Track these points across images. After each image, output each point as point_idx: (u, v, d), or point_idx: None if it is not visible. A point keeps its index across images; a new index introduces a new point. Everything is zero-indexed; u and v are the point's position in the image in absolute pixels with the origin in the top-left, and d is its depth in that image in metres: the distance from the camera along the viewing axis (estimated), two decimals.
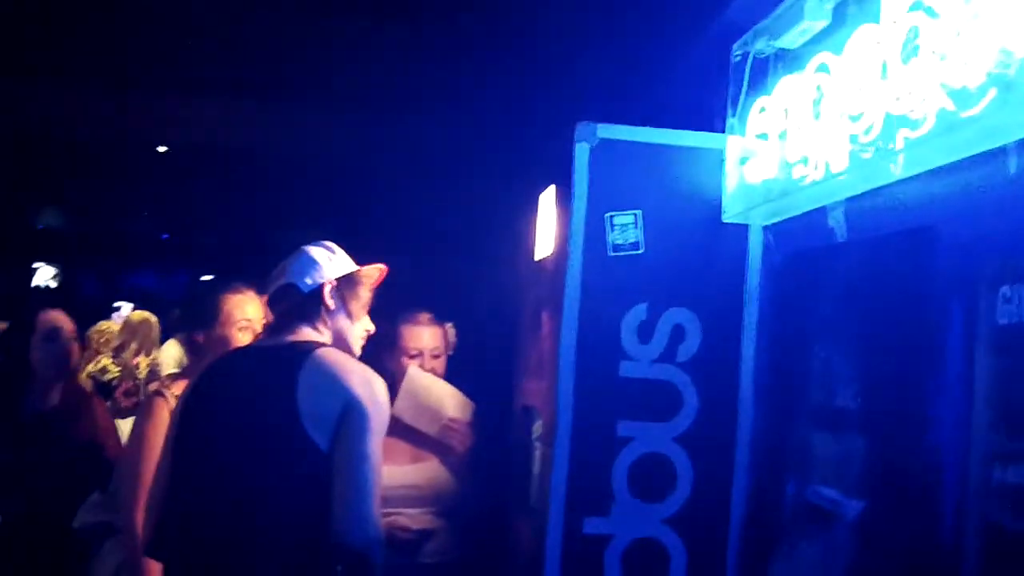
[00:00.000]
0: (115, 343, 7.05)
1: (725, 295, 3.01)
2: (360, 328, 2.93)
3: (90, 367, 6.68)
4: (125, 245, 15.27)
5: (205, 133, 8.13)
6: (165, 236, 14.85)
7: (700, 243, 3.02)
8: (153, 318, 7.37)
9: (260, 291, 3.28)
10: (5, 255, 13.50)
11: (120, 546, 3.36)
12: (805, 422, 2.74)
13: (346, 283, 2.90)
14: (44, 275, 16.01)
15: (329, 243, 2.96)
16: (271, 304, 2.96)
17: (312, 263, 2.90)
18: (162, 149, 9.04)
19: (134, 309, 9.68)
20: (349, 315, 2.90)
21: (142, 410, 3.42)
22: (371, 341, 2.98)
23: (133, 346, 7.09)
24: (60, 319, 3.87)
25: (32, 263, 15.67)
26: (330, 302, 2.85)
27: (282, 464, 2.62)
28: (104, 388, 5.90)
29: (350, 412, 2.60)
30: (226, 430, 2.70)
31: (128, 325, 7.30)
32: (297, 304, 2.85)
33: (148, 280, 15.71)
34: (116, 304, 13.51)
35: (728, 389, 2.99)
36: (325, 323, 2.85)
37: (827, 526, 2.58)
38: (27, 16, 5.26)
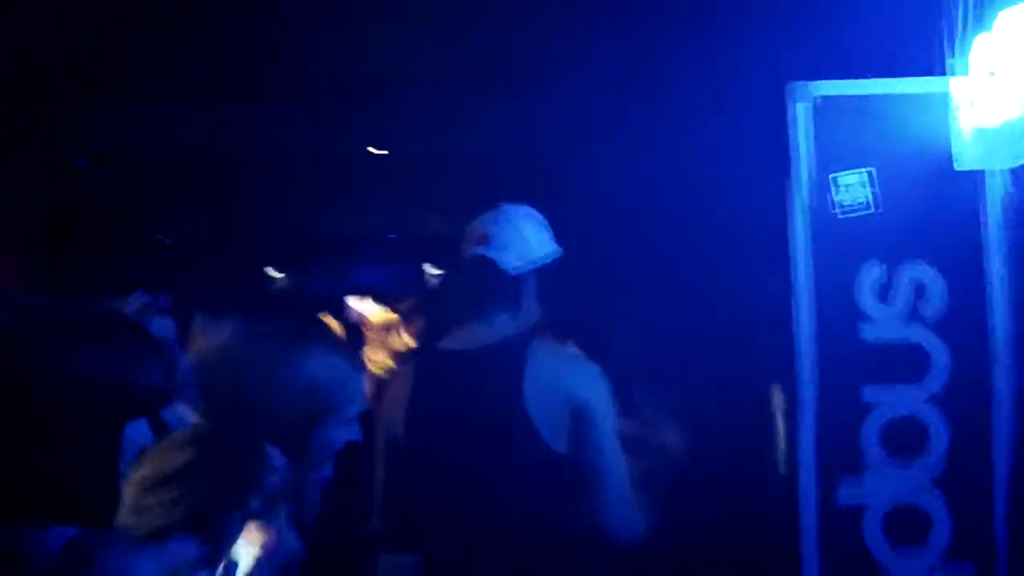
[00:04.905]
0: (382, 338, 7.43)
1: (964, 247, 2.85)
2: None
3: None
4: (354, 247, 15.79)
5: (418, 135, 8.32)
6: (392, 236, 15.26)
7: (932, 195, 2.86)
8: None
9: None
10: (241, 262, 14.17)
11: None
12: None
13: (548, 266, 2.62)
14: (279, 280, 16.76)
15: (533, 211, 2.64)
16: (457, 272, 2.66)
17: (521, 238, 2.57)
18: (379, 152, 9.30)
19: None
20: (541, 300, 2.65)
21: None
22: None
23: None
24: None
25: (264, 269, 16.41)
26: (529, 288, 2.59)
27: (517, 468, 2.49)
28: None
29: (583, 413, 2.49)
30: (453, 439, 2.56)
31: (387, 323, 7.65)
32: (495, 287, 2.58)
33: (377, 278, 16.19)
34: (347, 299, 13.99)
35: (980, 343, 2.83)
36: (520, 309, 2.60)
37: None
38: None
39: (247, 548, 1.83)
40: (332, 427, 2.01)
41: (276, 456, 1.94)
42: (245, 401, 1.95)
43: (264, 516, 1.94)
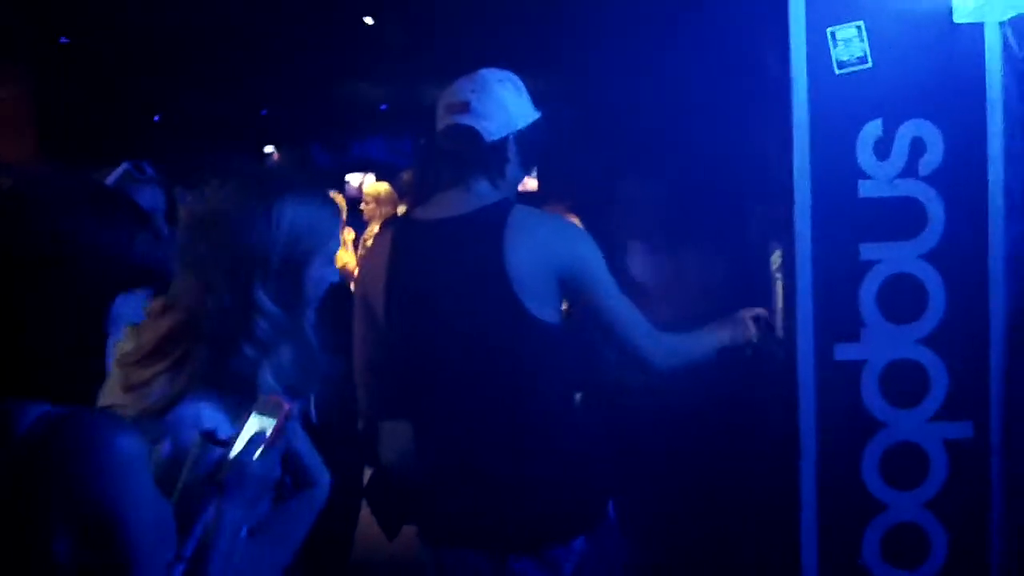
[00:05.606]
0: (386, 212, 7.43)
1: (964, 102, 2.82)
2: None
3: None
4: (349, 118, 15.67)
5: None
6: (384, 107, 15.12)
7: (931, 49, 2.81)
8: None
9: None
10: (240, 143, 14.11)
11: None
12: None
13: (528, 132, 2.60)
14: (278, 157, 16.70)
15: (511, 74, 2.61)
16: (438, 139, 2.60)
17: (499, 105, 2.54)
18: (369, 21, 9.15)
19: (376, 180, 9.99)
20: (524, 167, 2.63)
21: None
22: None
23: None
24: None
25: (263, 147, 16.33)
26: (511, 155, 2.57)
27: (497, 337, 2.50)
28: None
29: (573, 277, 2.50)
30: (432, 309, 2.56)
31: (387, 196, 7.65)
32: (475, 155, 2.55)
33: (375, 150, 16.10)
34: (347, 177, 14.02)
35: (976, 199, 2.82)
36: (503, 177, 2.58)
37: None
38: None
39: (265, 421, 1.80)
40: (318, 267, 2.01)
41: (266, 302, 1.94)
42: (229, 255, 1.93)
43: (259, 362, 1.94)
